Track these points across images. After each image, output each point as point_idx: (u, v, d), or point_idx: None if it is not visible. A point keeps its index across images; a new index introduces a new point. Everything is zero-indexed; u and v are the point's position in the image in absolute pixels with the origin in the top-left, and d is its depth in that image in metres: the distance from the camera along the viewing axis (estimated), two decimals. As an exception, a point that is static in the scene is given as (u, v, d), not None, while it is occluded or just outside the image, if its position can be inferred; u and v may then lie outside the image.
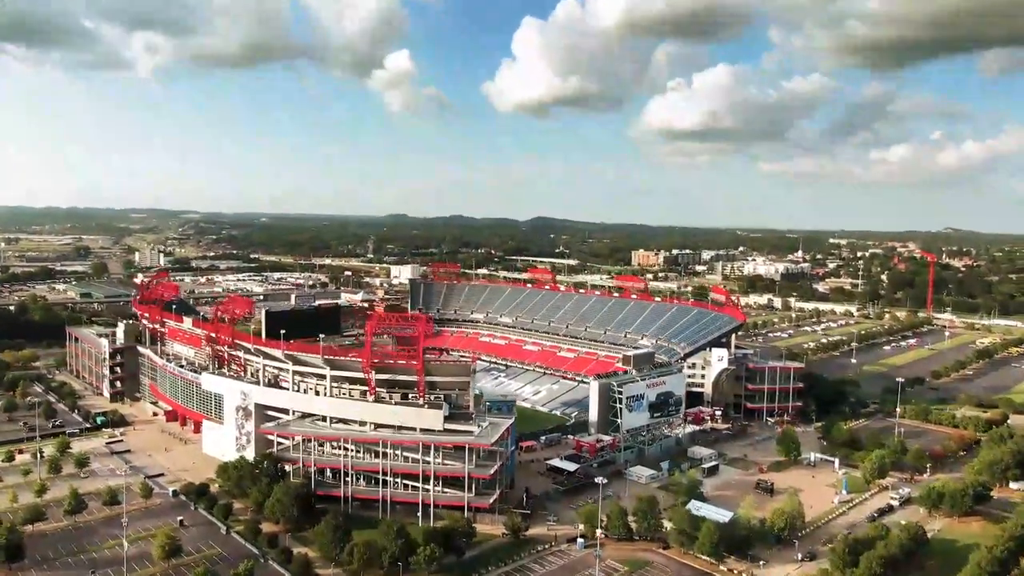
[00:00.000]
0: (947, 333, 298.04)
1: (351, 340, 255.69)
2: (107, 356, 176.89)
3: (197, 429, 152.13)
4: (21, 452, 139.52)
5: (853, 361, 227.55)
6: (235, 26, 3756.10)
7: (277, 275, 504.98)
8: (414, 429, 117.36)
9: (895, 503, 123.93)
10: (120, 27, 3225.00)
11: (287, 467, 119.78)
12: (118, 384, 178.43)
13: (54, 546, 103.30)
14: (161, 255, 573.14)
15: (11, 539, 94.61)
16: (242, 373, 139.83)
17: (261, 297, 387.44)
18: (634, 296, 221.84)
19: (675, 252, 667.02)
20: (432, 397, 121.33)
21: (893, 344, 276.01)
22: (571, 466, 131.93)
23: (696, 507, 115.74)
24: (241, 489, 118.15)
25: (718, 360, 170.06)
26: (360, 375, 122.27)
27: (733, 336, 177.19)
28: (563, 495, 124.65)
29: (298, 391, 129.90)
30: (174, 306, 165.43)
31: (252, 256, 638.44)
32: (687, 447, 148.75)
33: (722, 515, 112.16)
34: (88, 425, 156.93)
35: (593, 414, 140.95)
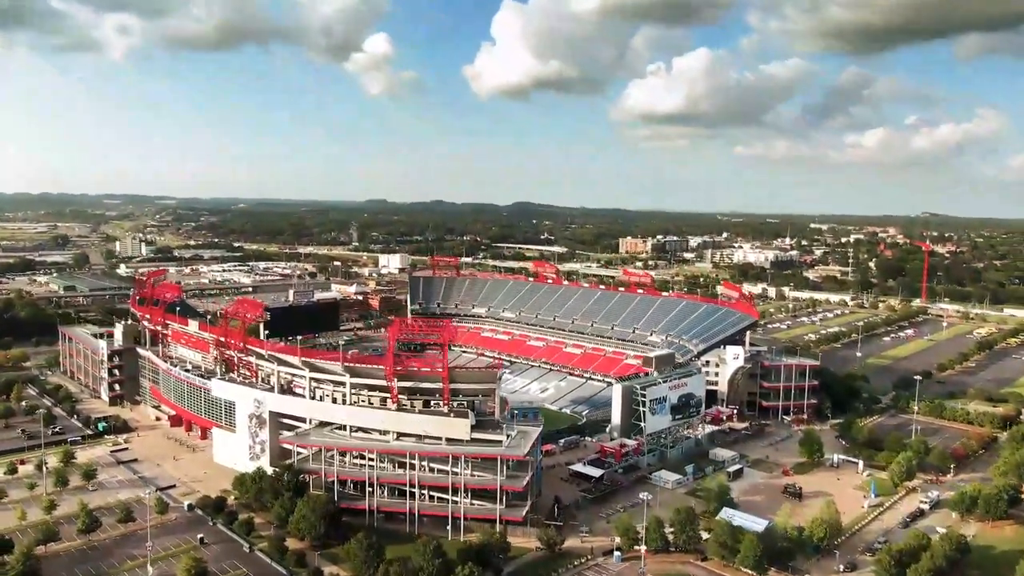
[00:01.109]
0: (945, 323, 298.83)
1: (349, 335, 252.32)
2: (105, 358, 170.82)
3: (204, 435, 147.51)
4: (23, 463, 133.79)
5: (858, 355, 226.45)
6: (209, 8, 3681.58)
7: (263, 264, 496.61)
8: (439, 439, 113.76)
9: (925, 507, 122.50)
10: (91, 8, 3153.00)
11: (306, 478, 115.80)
12: (117, 387, 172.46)
13: (70, 568, 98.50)
14: (143, 244, 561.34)
15: (29, 565, 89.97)
16: (254, 379, 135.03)
17: (250, 289, 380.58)
18: (640, 291, 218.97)
19: (662, 239, 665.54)
20: (455, 404, 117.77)
21: (892, 336, 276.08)
22: (595, 472, 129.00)
23: (729, 515, 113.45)
24: (260, 502, 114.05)
25: (733, 358, 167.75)
26: (381, 382, 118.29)
27: (747, 333, 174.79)
28: (590, 503, 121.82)
29: (314, 398, 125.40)
30: (178, 308, 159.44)
31: (235, 245, 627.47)
32: (708, 449, 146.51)
33: (757, 523, 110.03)
34: (90, 432, 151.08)
35: (616, 417, 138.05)
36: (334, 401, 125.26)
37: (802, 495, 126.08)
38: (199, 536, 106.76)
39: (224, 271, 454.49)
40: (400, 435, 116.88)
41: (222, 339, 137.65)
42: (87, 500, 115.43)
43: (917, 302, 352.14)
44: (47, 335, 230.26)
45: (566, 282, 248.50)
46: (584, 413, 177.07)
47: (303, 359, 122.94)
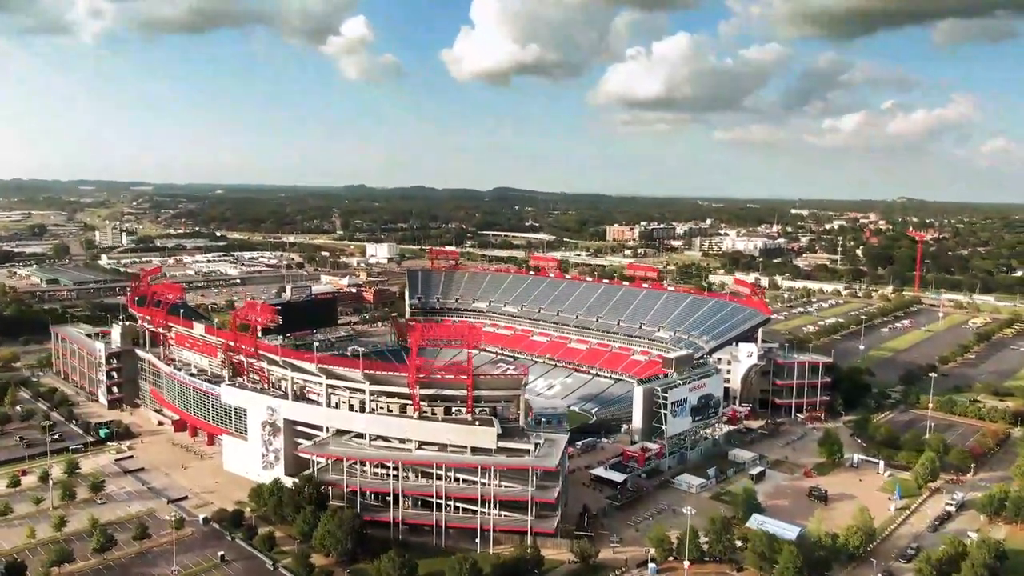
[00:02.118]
0: (941, 314, 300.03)
1: (346, 330, 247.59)
2: (103, 360, 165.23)
3: (211, 441, 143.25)
4: (25, 474, 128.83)
5: (861, 347, 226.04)
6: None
7: (248, 255, 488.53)
8: (464, 447, 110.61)
9: (951, 509, 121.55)
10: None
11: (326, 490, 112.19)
12: (115, 390, 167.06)
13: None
14: (123, 234, 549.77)
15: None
16: (266, 385, 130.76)
17: (238, 281, 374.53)
18: (645, 285, 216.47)
19: (649, 227, 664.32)
20: (477, 410, 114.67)
21: (890, 327, 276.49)
22: (618, 477, 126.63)
23: (760, 521, 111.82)
24: (280, 515, 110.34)
25: (747, 356, 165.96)
26: (402, 389, 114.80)
27: (759, 331, 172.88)
28: (616, 510, 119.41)
29: (332, 406, 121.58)
30: (181, 310, 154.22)
31: (218, 234, 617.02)
32: (726, 449, 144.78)
33: (789, 530, 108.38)
34: (91, 439, 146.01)
35: (637, 420, 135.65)
36: (350, 408, 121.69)
37: (828, 498, 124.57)
38: (219, 553, 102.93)
39: (209, 262, 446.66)
40: (421, 444, 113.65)
41: (231, 343, 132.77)
42: (97, 514, 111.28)
43: (909, 292, 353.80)
44: (36, 333, 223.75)
45: (568, 276, 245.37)
46: (594, 411, 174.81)
47: (320, 366, 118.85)
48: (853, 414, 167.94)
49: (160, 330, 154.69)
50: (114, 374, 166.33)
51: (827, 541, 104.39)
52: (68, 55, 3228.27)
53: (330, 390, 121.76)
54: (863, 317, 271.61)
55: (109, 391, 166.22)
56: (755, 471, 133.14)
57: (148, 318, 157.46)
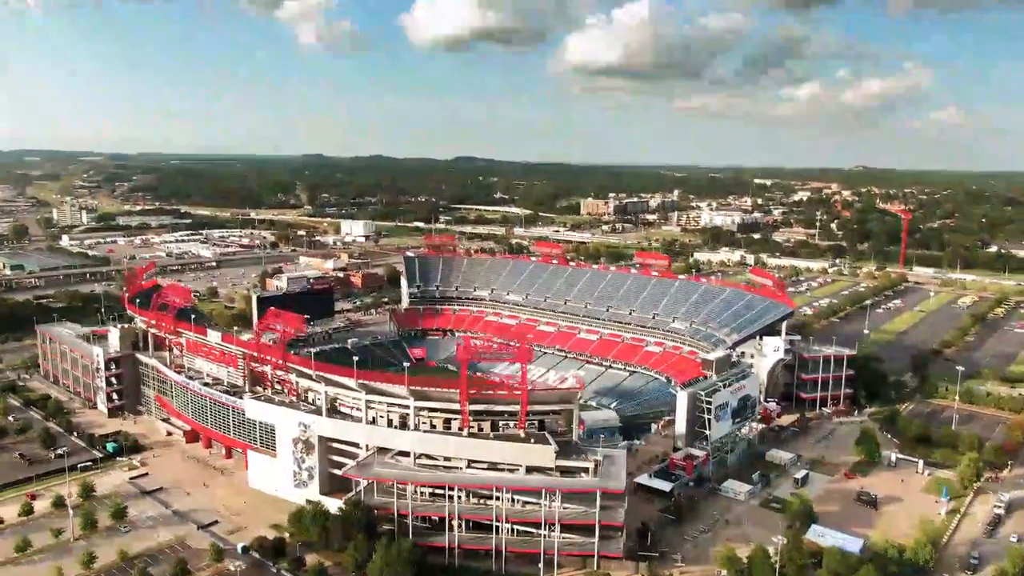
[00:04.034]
0: (932, 292, 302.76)
1: (342, 320, 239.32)
2: (102, 365, 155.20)
3: (229, 454, 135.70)
4: (34, 497, 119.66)
5: (865, 332, 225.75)
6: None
7: (217, 233, 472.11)
8: (518, 466, 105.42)
9: (1000, 511, 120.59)
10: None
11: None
12: (116, 397, 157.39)
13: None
14: (83, 212, 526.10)
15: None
16: (294, 398, 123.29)
17: (214, 264, 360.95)
18: (655, 273, 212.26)
19: (623, 200, 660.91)
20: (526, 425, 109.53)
21: (884, 307, 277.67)
22: (665, 485, 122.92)
23: (818, 533, 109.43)
24: (324, 541, 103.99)
25: (773, 350, 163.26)
26: (451, 405, 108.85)
27: (783, 324, 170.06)
28: (669, 523, 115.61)
29: (372, 422, 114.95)
30: (192, 315, 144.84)
31: (183, 211, 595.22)
32: (762, 450, 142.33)
33: (852, 542, 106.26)
34: (99, 454, 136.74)
35: (680, 426, 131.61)
36: (389, 423, 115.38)
37: (878, 503, 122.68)
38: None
39: (178, 241, 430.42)
40: (471, 463, 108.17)
41: (255, 354, 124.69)
42: (125, 546, 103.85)
43: (892, 268, 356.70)
44: (14, 329, 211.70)
45: (572, 263, 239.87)
46: (611, 405, 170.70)
47: (360, 381, 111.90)
48: (874, 405, 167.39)
49: (167, 336, 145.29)
50: (114, 380, 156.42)
51: (893, 553, 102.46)
52: (8, 19, 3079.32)
53: (368, 404, 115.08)
54: (863, 299, 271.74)
55: (109, 399, 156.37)
56: (799, 475, 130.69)
57: (153, 321, 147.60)
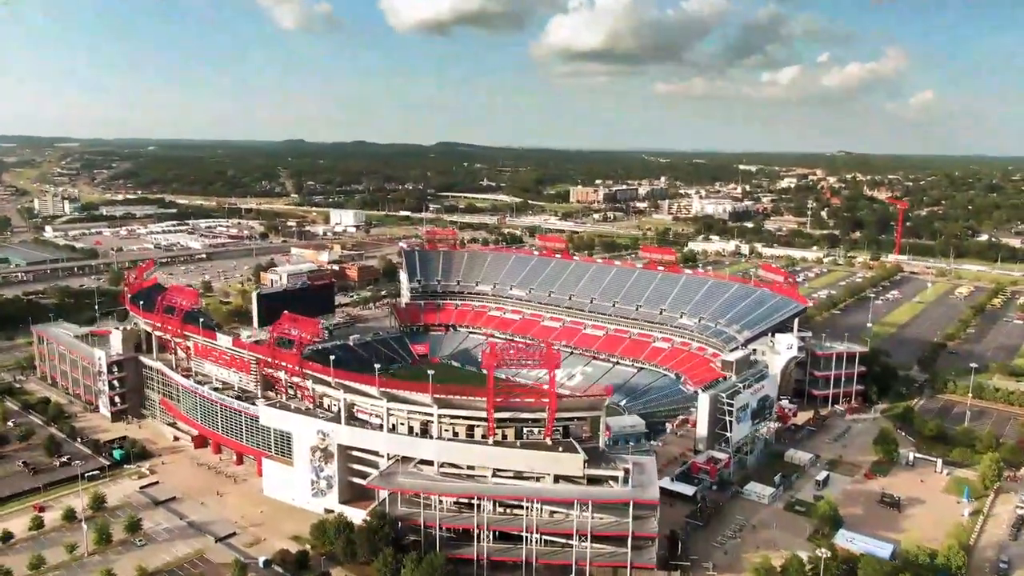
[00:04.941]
0: (929, 283, 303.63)
1: (341, 315, 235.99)
2: (105, 368, 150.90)
3: (240, 460, 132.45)
4: (43, 509, 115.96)
5: (869, 325, 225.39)
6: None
7: (205, 224, 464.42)
8: (545, 475, 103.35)
9: (1023, 512, 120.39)
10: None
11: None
12: (119, 401, 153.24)
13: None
14: (65, 202, 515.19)
15: None
16: (310, 404, 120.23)
17: (204, 256, 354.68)
18: (661, 268, 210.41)
19: (612, 188, 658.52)
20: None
21: (882, 298, 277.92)
22: (687, 489, 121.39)
23: (847, 538, 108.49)
24: (350, 554, 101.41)
25: (787, 348, 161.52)
26: (477, 413, 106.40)
27: (796, 321, 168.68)
28: (696, 529, 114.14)
29: (392, 429, 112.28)
30: (201, 319, 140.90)
31: (167, 199, 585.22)
32: (780, 450, 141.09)
33: (882, 547, 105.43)
34: (105, 460, 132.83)
35: (702, 428, 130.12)
36: (409, 430, 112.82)
37: (901, 505, 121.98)
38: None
39: (165, 232, 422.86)
40: (496, 471, 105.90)
41: (269, 360, 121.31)
42: (143, 561, 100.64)
43: (887, 257, 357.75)
44: (6, 328, 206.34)
45: (576, 256, 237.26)
46: (622, 404, 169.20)
47: (382, 389, 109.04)
48: (885, 401, 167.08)
49: (173, 339, 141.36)
50: (117, 384, 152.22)
51: (924, 559, 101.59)
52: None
53: (388, 411, 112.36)
54: (862, 290, 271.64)
55: (112, 403, 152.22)
56: (820, 476, 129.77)
57: (159, 324, 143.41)
